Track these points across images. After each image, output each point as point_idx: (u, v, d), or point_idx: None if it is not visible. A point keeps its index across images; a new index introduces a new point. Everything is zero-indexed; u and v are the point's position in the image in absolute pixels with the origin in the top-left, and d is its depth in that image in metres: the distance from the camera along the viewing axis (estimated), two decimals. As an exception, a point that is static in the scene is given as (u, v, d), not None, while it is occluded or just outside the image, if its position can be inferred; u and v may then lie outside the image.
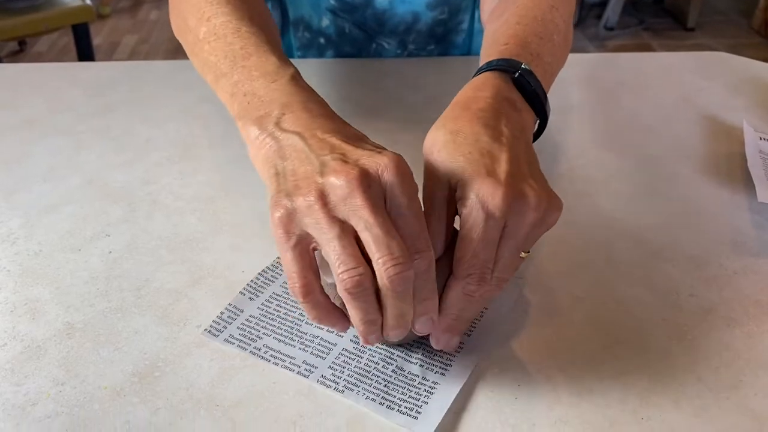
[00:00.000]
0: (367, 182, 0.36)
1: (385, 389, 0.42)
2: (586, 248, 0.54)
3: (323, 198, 0.36)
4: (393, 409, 0.40)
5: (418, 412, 0.40)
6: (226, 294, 0.49)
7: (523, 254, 0.41)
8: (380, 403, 0.41)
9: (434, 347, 0.42)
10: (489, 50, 0.51)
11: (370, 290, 0.36)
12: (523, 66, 0.47)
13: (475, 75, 0.48)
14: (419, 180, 0.42)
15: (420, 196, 0.40)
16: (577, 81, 0.82)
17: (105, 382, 0.42)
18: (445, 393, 0.41)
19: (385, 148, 0.40)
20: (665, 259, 0.53)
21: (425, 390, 0.42)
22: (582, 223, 0.57)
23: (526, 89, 0.46)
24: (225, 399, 0.41)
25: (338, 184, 0.36)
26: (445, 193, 0.40)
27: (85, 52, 2.23)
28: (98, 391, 0.42)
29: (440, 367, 0.43)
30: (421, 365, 0.43)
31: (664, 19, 3.40)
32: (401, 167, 0.37)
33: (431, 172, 0.41)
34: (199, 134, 0.70)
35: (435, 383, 0.42)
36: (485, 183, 0.38)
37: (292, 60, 0.85)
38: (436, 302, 0.39)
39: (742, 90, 0.80)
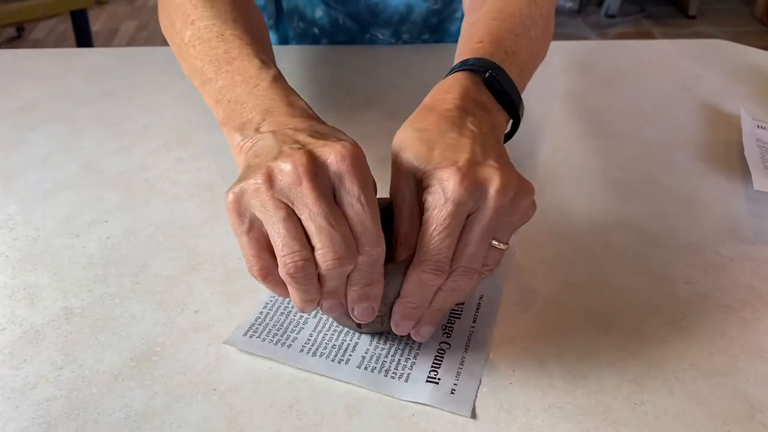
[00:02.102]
0: (314, 169, 0.36)
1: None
2: (582, 235, 0.55)
3: (270, 180, 0.36)
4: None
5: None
6: (223, 280, 0.49)
7: (501, 246, 0.40)
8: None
9: (395, 332, 0.41)
10: (463, 48, 0.50)
11: (312, 274, 0.36)
12: (494, 65, 0.46)
13: (447, 75, 0.48)
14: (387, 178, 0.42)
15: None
16: (576, 68, 0.82)
17: (103, 367, 0.43)
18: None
19: (347, 140, 0.40)
20: (661, 246, 0.54)
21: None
22: (578, 210, 0.57)
23: (496, 89, 0.46)
24: (222, 383, 0.42)
25: (286, 168, 0.36)
26: (413, 188, 0.40)
27: (83, 39, 2.22)
28: (96, 375, 0.42)
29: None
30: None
31: (665, 6, 3.39)
32: (353, 156, 0.37)
33: (398, 170, 0.41)
34: (196, 121, 0.70)
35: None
36: (445, 171, 0.38)
37: (287, 47, 0.85)
38: (377, 290, 0.38)
39: (742, 78, 0.80)
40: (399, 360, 0.43)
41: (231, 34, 0.49)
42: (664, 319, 0.47)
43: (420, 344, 0.44)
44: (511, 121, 0.48)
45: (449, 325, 0.46)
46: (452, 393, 0.41)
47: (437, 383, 0.42)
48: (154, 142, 0.66)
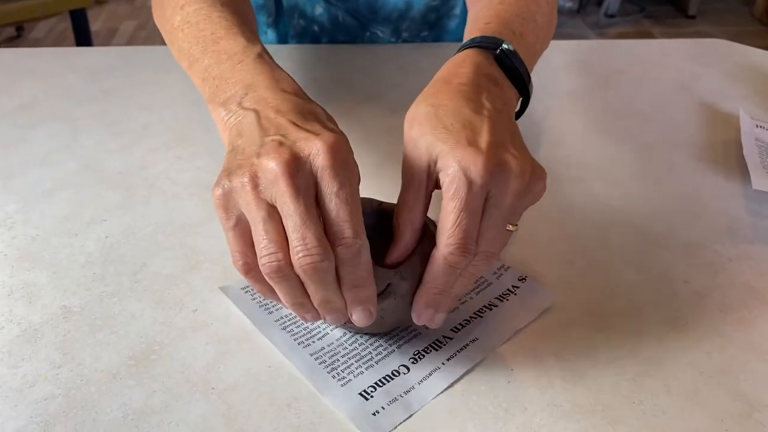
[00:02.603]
0: (295, 167, 0.36)
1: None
2: (581, 234, 0.55)
3: (255, 180, 0.37)
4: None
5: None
6: (222, 279, 0.49)
7: (510, 227, 0.40)
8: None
9: (415, 323, 0.41)
10: (471, 29, 0.51)
11: (290, 275, 0.36)
12: (504, 43, 0.47)
13: (457, 53, 0.48)
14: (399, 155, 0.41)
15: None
16: (575, 67, 0.82)
17: (101, 365, 0.43)
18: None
19: (332, 128, 0.40)
20: (660, 245, 0.54)
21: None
22: (577, 209, 0.58)
23: (507, 66, 0.46)
24: (220, 382, 0.42)
25: (269, 167, 0.36)
26: (425, 165, 0.40)
27: (83, 38, 2.22)
28: (95, 373, 0.42)
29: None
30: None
31: (665, 6, 3.39)
32: (336, 151, 0.37)
33: (411, 146, 0.41)
34: (196, 120, 0.70)
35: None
36: (467, 152, 0.38)
37: (287, 46, 0.85)
38: (370, 291, 0.38)
39: (740, 77, 0.80)
40: (351, 364, 0.43)
41: (218, 16, 0.50)
42: (662, 318, 0.47)
43: (380, 359, 0.43)
44: (520, 99, 0.48)
45: (423, 352, 0.44)
46: (374, 414, 0.39)
47: (367, 399, 0.40)
48: (154, 141, 0.66)
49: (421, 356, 0.43)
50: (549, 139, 0.68)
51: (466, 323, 0.46)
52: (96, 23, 3.16)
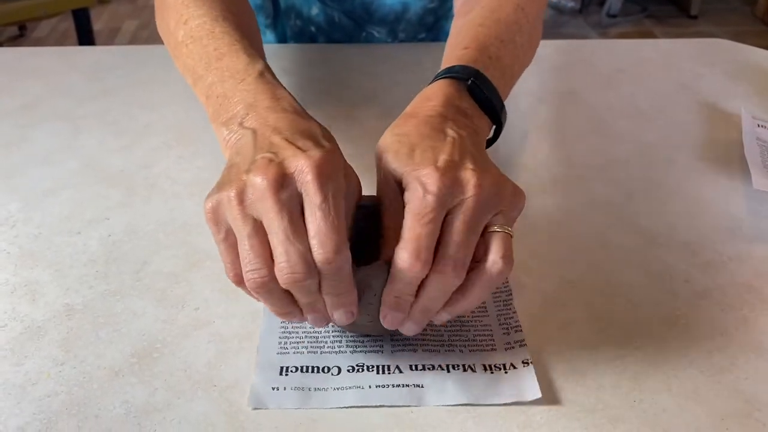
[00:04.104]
0: (281, 183, 0.37)
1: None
2: (582, 233, 0.55)
3: (241, 195, 0.37)
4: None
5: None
6: (223, 278, 0.49)
7: (504, 230, 0.40)
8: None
9: (384, 326, 0.40)
10: (449, 55, 0.51)
11: (275, 289, 0.37)
12: (478, 72, 0.47)
13: (432, 82, 0.49)
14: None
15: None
16: (577, 67, 0.82)
17: (104, 363, 0.43)
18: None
19: (324, 145, 0.40)
20: (660, 244, 0.54)
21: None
22: (578, 209, 0.58)
23: (479, 96, 0.47)
24: (222, 380, 0.42)
25: (256, 182, 0.37)
26: (395, 190, 0.41)
27: (85, 38, 2.22)
28: (97, 371, 0.42)
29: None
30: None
31: (667, 6, 3.38)
32: (320, 166, 0.37)
33: (380, 175, 0.42)
34: (197, 119, 0.70)
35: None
36: (424, 171, 0.39)
37: (284, 46, 0.85)
38: (351, 297, 0.38)
39: (742, 77, 0.80)
40: (302, 341, 0.44)
41: (221, 31, 0.50)
42: (662, 317, 0.47)
43: (328, 352, 0.43)
44: (494, 126, 0.49)
45: (365, 368, 0.42)
46: (272, 389, 0.41)
47: (281, 375, 0.41)
48: (155, 140, 0.66)
49: (360, 370, 0.42)
50: (550, 138, 0.68)
51: (429, 368, 0.42)
52: (98, 23, 3.16)
